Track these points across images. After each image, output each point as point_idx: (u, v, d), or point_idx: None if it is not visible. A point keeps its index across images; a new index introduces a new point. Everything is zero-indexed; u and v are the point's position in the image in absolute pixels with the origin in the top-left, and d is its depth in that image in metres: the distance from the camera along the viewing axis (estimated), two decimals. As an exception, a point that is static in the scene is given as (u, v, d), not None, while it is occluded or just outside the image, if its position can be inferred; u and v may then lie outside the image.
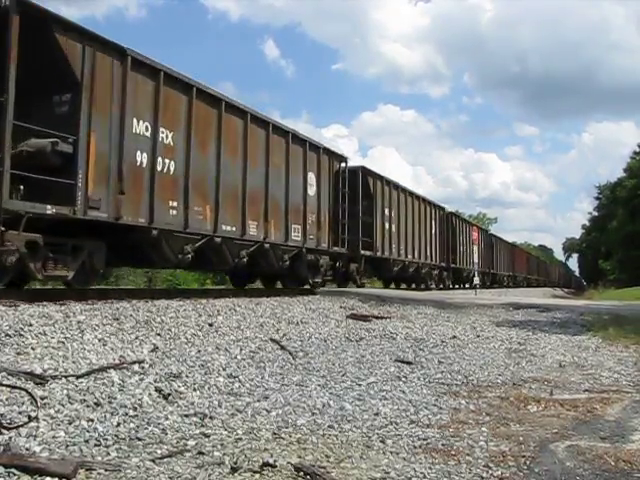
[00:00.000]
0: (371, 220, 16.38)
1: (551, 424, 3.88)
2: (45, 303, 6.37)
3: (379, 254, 16.87)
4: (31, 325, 5.02)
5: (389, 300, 12.06)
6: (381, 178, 17.48)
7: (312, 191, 12.81)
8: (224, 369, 4.93)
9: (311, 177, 12.80)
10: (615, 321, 9.77)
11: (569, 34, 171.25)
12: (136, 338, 5.42)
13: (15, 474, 2.50)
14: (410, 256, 19.42)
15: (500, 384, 5.27)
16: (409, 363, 6.01)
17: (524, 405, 4.44)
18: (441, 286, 23.29)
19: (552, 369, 6.11)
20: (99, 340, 5.08)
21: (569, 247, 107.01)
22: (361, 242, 15.52)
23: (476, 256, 24.19)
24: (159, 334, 5.77)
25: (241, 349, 5.81)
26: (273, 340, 6.48)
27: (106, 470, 2.66)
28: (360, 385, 4.87)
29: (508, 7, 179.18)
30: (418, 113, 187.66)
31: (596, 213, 69.75)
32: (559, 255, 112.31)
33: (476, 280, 22.49)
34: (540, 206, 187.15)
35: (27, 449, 2.84)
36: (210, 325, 6.64)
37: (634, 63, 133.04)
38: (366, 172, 16.61)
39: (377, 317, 9.51)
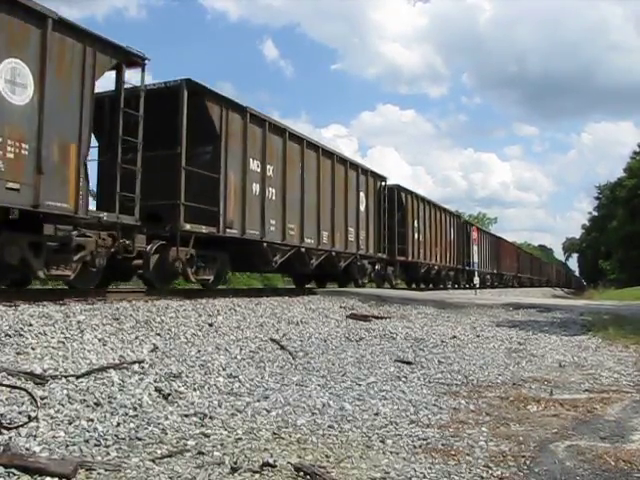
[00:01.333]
0: (217, 175, 9.86)
1: (551, 424, 3.88)
2: (45, 303, 6.37)
3: (235, 232, 10.30)
4: (31, 325, 5.03)
5: (389, 300, 12.06)
6: (242, 110, 10.52)
7: (21, 97, 6.74)
8: (224, 369, 4.93)
9: (18, 71, 6.71)
10: (615, 321, 9.77)
11: (568, 34, 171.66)
12: (136, 338, 5.42)
13: (15, 474, 2.50)
14: (311, 240, 12.86)
15: (500, 384, 5.27)
16: (409, 363, 6.01)
17: (524, 405, 4.44)
18: (387, 286, 18.39)
19: (552, 369, 6.10)
20: (99, 340, 5.08)
21: (569, 247, 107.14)
22: (184, 210, 9.14)
23: (476, 256, 24.05)
24: (159, 334, 5.77)
25: (241, 349, 5.81)
26: (273, 340, 6.48)
27: (106, 470, 2.66)
28: (360, 385, 4.87)
29: (506, 7, 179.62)
30: (417, 113, 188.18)
31: (596, 213, 69.91)
32: (559, 255, 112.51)
33: (476, 280, 22.47)
34: (540, 206, 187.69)
35: (27, 449, 2.84)
36: (210, 325, 6.64)
37: (632, 63, 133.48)
38: (201, 92, 9.48)
39: (377, 317, 9.51)
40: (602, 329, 9.01)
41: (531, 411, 4.29)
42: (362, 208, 15.62)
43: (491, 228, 60.68)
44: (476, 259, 23.95)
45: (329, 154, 14.03)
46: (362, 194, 15.65)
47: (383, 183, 17.25)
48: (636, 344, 7.65)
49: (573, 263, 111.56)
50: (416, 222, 20.12)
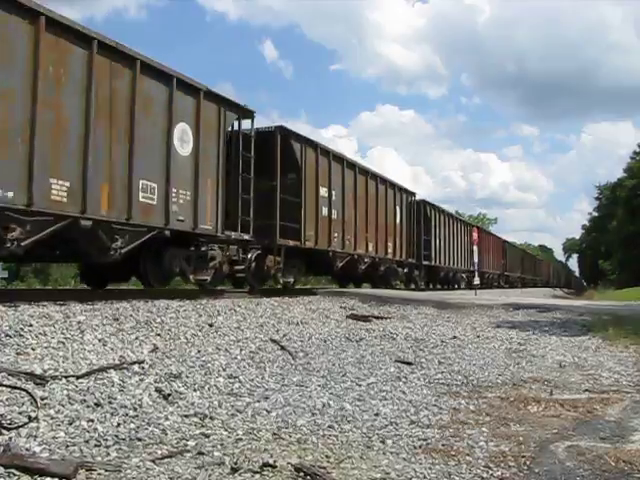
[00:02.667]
0: None
1: (551, 424, 3.88)
2: (45, 303, 6.37)
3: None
4: (31, 325, 5.03)
5: (389, 300, 12.06)
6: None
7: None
8: (224, 369, 4.93)
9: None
10: (615, 321, 9.76)
11: (567, 34, 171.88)
12: (136, 338, 5.42)
13: (15, 474, 2.50)
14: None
15: (500, 384, 5.27)
16: (409, 363, 6.01)
17: (524, 405, 4.44)
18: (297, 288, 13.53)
19: (552, 369, 6.11)
20: (99, 340, 5.07)
21: (569, 247, 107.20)
22: None
23: (476, 256, 23.93)
24: (159, 334, 5.77)
25: (241, 349, 5.81)
26: (273, 340, 6.48)
27: (106, 470, 2.66)
28: (360, 385, 4.87)
29: (505, 7, 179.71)
30: (417, 113, 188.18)
31: (596, 213, 69.90)
32: (559, 255, 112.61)
33: (476, 281, 22.45)
34: (540, 206, 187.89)
35: (27, 449, 2.84)
36: (210, 325, 6.64)
37: (632, 64, 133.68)
38: None
39: (377, 317, 9.51)
40: (602, 329, 9.01)
41: (531, 411, 4.29)
42: (182, 150, 8.86)
43: (491, 228, 59.70)
44: (476, 259, 23.84)
45: (76, 34, 7.08)
46: (183, 127, 8.92)
47: (247, 120, 10.68)
48: (636, 344, 7.65)
49: (573, 263, 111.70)
50: (325, 190, 13.41)
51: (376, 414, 3.99)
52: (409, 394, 4.66)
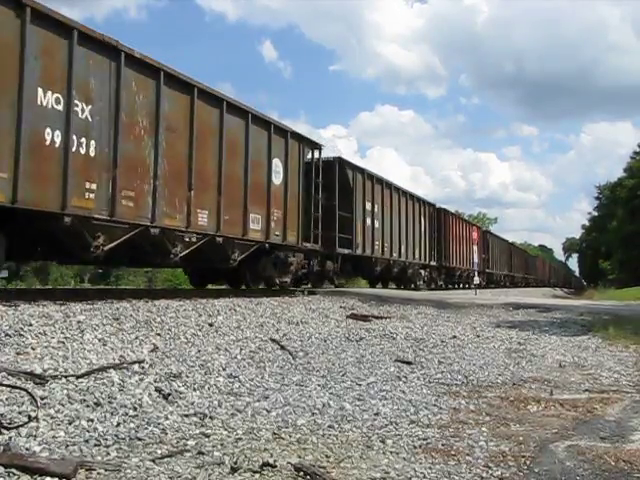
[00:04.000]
0: None
1: (551, 424, 3.88)
2: (45, 303, 6.37)
3: None
4: (31, 325, 5.02)
5: (389, 300, 12.06)
6: None
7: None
8: (224, 369, 4.93)
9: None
10: (615, 321, 9.77)
11: (565, 34, 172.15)
12: (136, 338, 5.42)
13: (15, 474, 2.50)
14: None
15: (500, 384, 5.27)
16: (409, 363, 6.01)
17: (524, 405, 4.44)
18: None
19: (552, 369, 6.11)
20: (99, 340, 5.07)
21: (569, 247, 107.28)
22: None
23: (476, 256, 23.88)
24: (159, 334, 5.77)
25: (241, 349, 5.81)
26: (273, 340, 6.48)
27: (106, 470, 2.66)
28: (360, 385, 4.87)
29: (504, 8, 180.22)
30: (416, 113, 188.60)
31: (596, 213, 69.91)
32: (559, 255, 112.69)
33: (476, 280, 22.44)
34: (539, 206, 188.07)
35: (27, 449, 2.83)
36: (210, 325, 6.64)
37: (630, 64, 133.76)
38: None
39: (377, 317, 9.51)
40: (602, 329, 9.01)
41: (531, 411, 4.29)
42: None
43: (491, 228, 59.06)
44: (476, 259, 23.79)
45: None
46: None
47: None
48: (636, 344, 7.66)
49: (573, 263, 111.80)
50: (55, 97, 6.63)
51: (376, 414, 3.99)
52: (409, 394, 4.66)
